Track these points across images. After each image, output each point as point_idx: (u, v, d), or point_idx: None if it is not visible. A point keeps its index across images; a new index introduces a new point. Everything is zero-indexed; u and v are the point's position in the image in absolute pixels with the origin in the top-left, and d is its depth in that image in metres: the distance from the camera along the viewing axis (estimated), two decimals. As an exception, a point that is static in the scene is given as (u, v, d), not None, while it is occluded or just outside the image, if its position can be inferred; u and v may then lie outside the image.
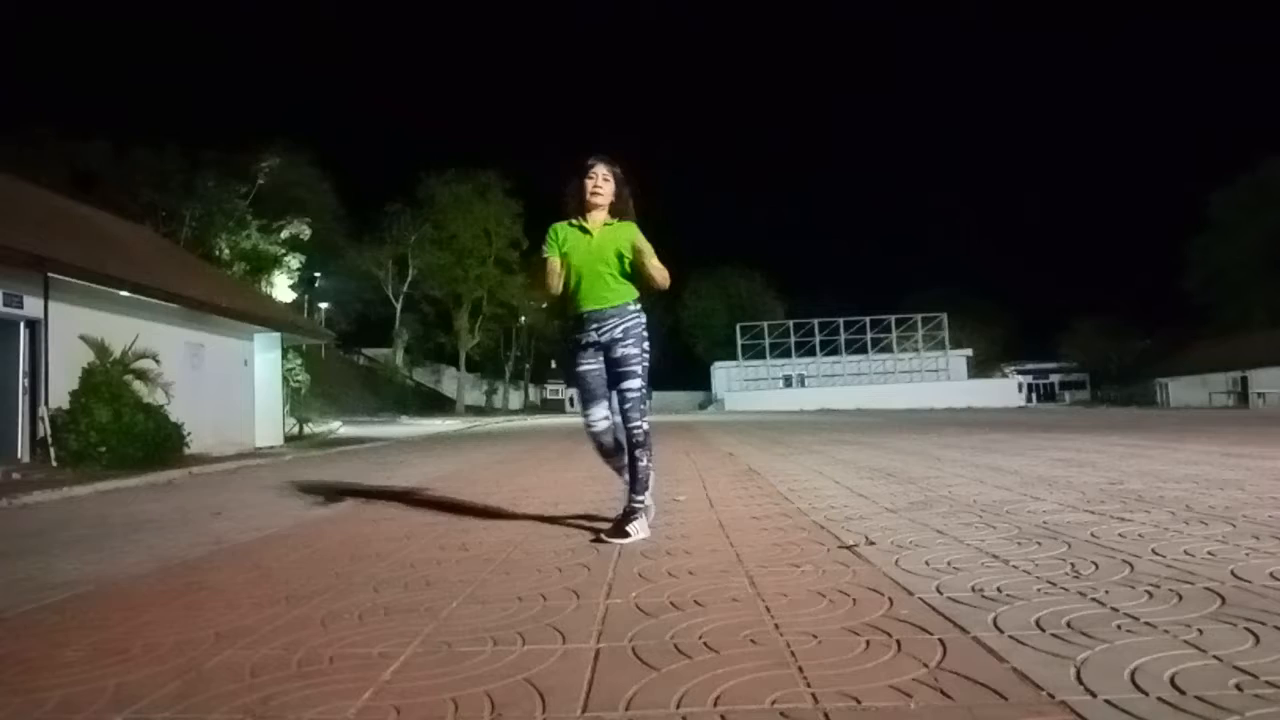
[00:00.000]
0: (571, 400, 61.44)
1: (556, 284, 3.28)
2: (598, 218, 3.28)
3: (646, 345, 3.27)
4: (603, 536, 3.14)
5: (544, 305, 46.37)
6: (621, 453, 3.34)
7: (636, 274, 3.24)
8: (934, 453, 7.24)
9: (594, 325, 3.23)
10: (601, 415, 3.30)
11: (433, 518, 4.15)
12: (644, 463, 3.25)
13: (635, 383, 3.22)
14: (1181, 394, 39.77)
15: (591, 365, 3.27)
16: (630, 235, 3.23)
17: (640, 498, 3.25)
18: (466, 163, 41.46)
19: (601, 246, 3.22)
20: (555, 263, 3.26)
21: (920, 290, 55.77)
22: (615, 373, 3.23)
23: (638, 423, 3.24)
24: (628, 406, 3.24)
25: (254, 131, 37.49)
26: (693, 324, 61.15)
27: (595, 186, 3.25)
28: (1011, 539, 2.85)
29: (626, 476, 3.33)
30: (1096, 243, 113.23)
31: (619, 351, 3.22)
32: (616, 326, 3.22)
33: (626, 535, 3.10)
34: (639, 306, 3.30)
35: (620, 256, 3.21)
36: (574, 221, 3.29)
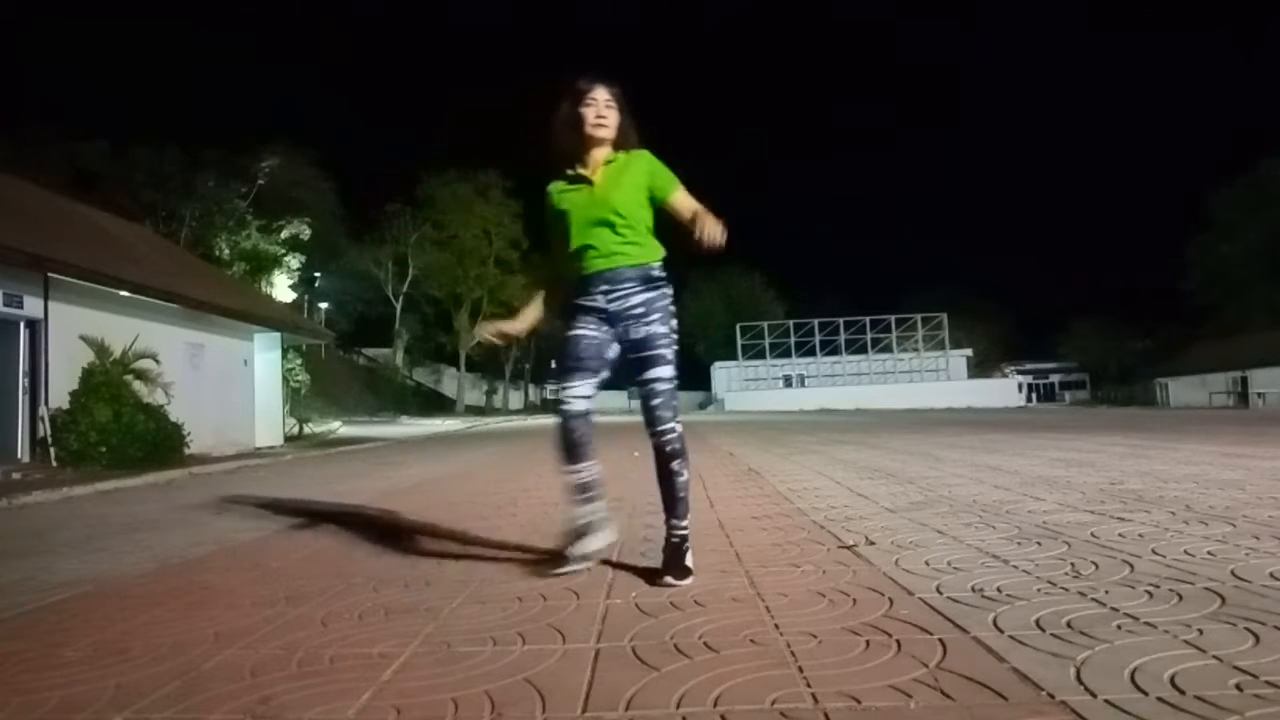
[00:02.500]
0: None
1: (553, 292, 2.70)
2: (598, 156, 2.53)
3: (675, 324, 2.51)
4: (669, 580, 2.37)
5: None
6: (589, 456, 2.53)
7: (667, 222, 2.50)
8: (934, 453, 7.24)
9: (603, 288, 2.46)
10: (584, 394, 2.49)
11: (433, 517, 4.14)
12: (684, 477, 2.49)
13: (667, 370, 2.44)
14: (1181, 394, 39.76)
15: (589, 331, 2.49)
16: (648, 166, 2.52)
17: (684, 524, 2.49)
18: (466, 163, 41.49)
19: (615, 186, 2.47)
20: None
21: (920, 290, 55.83)
22: (637, 358, 2.45)
23: (671, 424, 2.44)
24: (658, 403, 2.42)
25: (254, 131, 37.59)
26: (693, 324, 61.14)
27: (599, 116, 2.48)
28: (1011, 539, 2.85)
29: (584, 510, 2.54)
30: (1096, 243, 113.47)
31: (641, 331, 2.43)
32: (634, 294, 2.45)
33: (689, 571, 2.42)
34: (665, 273, 2.52)
35: (641, 200, 2.50)
36: (569, 172, 2.56)
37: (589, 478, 2.53)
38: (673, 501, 2.49)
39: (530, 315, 2.72)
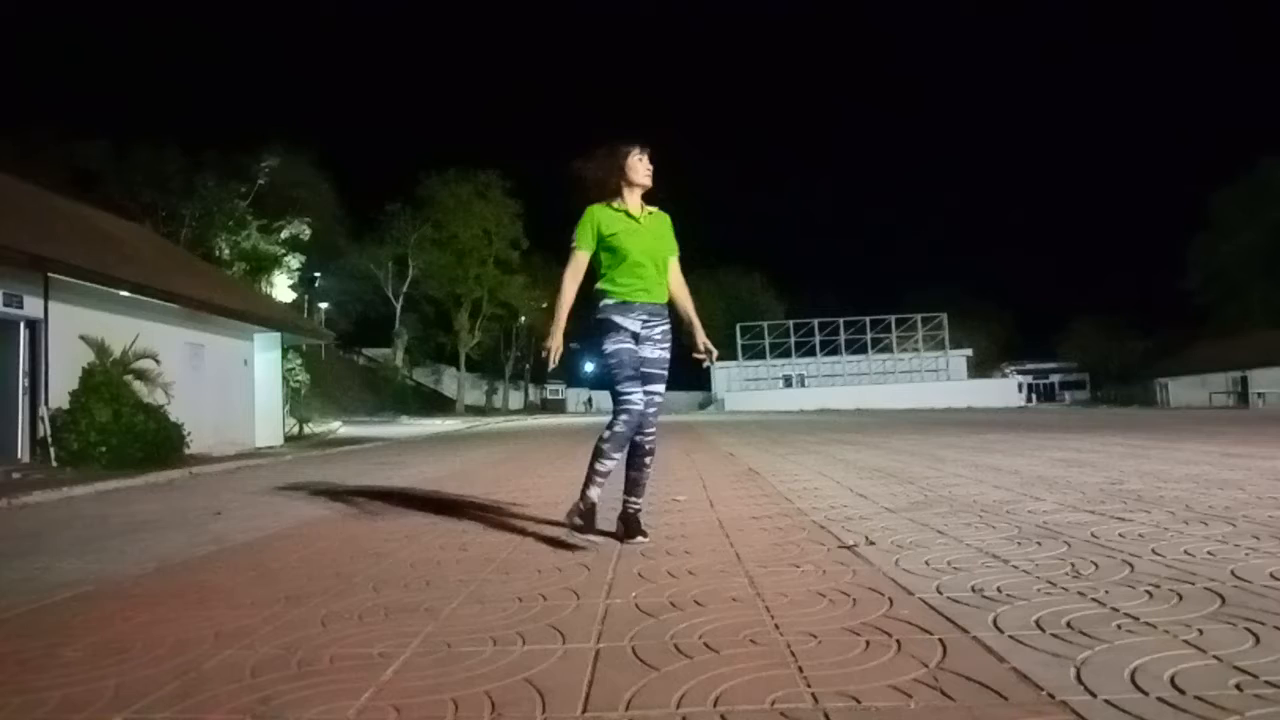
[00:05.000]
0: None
1: (574, 287, 3.09)
2: (636, 201, 3.14)
3: None
4: (627, 541, 3.09)
5: (544, 305, 46.44)
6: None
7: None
8: (934, 453, 7.24)
9: (643, 317, 3.08)
10: (642, 395, 3.07)
11: (433, 518, 4.14)
12: (650, 468, 3.25)
13: (663, 386, 3.16)
14: (1181, 394, 39.75)
15: (630, 345, 3.06)
16: (671, 228, 3.24)
17: (640, 501, 3.23)
18: (466, 163, 41.46)
19: (658, 237, 3.14)
20: (584, 260, 3.08)
21: (920, 290, 55.75)
22: (648, 373, 3.10)
23: (655, 428, 3.18)
24: (653, 411, 3.12)
25: (254, 131, 37.55)
26: (692, 324, 60.98)
27: (649, 169, 3.12)
28: (1011, 539, 2.85)
29: (596, 494, 3.05)
30: (1096, 243, 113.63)
31: (655, 353, 3.11)
32: (659, 327, 3.13)
33: (645, 534, 3.14)
34: None
35: (668, 254, 3.19)
36: (614, 205, 3.10)
37: (613, 466, 3.05)
38: (638, 486, 3.21)
39: (562, 327, 3.12)
